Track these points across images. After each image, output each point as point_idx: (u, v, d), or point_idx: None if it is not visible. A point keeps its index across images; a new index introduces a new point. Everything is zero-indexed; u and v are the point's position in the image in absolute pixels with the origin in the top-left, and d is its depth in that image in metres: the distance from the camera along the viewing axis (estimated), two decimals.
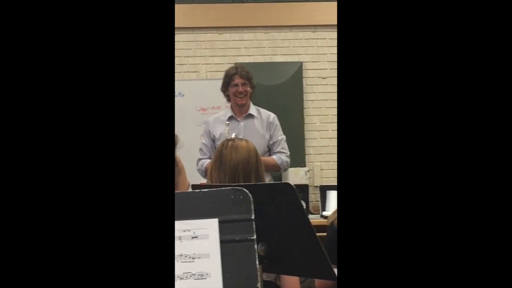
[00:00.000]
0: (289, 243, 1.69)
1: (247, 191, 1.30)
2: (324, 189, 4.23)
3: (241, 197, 1.29)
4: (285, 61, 5.50)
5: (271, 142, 3.77)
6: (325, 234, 3.20)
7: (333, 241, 2.38)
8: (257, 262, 1.26)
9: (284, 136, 3.81)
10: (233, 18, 5.42)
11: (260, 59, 5.47)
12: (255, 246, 1.27)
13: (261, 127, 3.81)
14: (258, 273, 1.26)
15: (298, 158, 5.23)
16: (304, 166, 5.28)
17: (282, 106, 5.23)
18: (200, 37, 5.46)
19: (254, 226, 1.27)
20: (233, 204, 1.28)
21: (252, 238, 1.26)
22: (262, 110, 3.88)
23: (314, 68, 5.54)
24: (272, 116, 3.83)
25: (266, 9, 5.47)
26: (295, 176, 4.91)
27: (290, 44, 5.51)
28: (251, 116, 3.81)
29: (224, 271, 1.24)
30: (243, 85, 3.73)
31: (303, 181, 4.95)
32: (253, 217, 1.26)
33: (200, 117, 5.25)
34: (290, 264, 1.79)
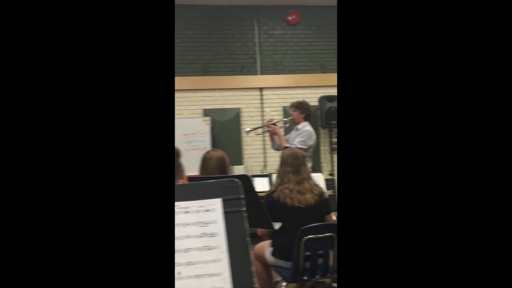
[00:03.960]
0: (247, 205, 1.53)
1: (237, 180, 1.34)
2: (253, 177, 4.80)
3: (234, 184, 1.32)
4: (230, 107, 6.39)
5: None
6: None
7: (267, 204, 2.84)
8: (246, 224, 1.30)
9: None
10: (202, 83, 6.30)
11: (217, 106, 6.32)
12: (245, 214, 1.30)
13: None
14: (247, 230, 1.31)
15: (238, 160, 6.17)
16: (242, 164, 6.17)
17: (229, 132, 6.22)
18: (182, 95, 6.26)
19: (243, 202, 1.31)
20: (230, 188, 1.31)
21: (242, 209, 1.30)
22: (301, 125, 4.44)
23: (246, 111, 6.45)
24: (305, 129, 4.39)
25: (219, 79, 6.36)
26: (237, 170, 5.72)
27: (233, 98, 6.39)
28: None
29: (226, 231, 1.27)
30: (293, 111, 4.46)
31: (243, 172, 5.72)
32: (242, 196, 1.32)
33: (184, 138, 5.96)
34: (249, 220, 1.68)
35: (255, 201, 2.07)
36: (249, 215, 1.66)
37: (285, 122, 4.93)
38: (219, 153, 2.86)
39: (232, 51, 6.47)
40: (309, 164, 4.23)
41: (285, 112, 6.14)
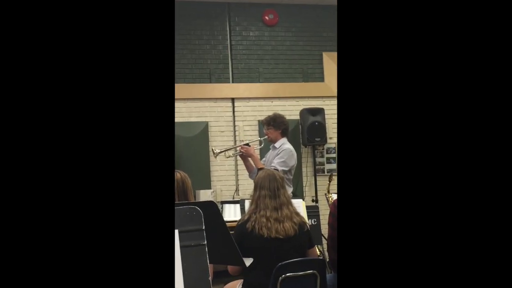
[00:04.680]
0: (212, 240, 1.60)
1: (198, 208, 1.36)
2: (222, 203, 4.64)
3: (194, 213, 1.35)
4: (197, 121, 6.37)
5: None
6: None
7: (238, 235, 2.82)
8: (207, 260, 1.29)
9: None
10: None
11: (181, 119, 6.24)
12: (206, 249, 1.30)
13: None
14: (209, 268, 1.30)
15: (205, 183, 6.08)
16: (210, 188, 6.09)
17: (195, 149, 6.18)
18: None
19: (204, 234, 1.31)
20: (189, 218, 1.32)
21: (203, 243, 1.29)
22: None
23: (215, 125, 6.43)
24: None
25: (183, 87, 6.31)
26: (203, 195, 5.58)
27: (199, 110, 6.37)
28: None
29: (183, 269, 1.25)
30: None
31: (210, 198, 5.50)
32: (203, 227, 1.31)
33: None
34: (214, 255, 1.79)
35: (223, 232, 2.05)
36: (216, 249, 1.69)
37: (260, 142, 4.91)
38: (178, 174, 2.86)
39: (199, 55, 6.48)
40: (290, 189, 4.21)
41: (261, 127, 6.15)
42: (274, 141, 4.52)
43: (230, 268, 2.97)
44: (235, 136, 6.43)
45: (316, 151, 6.63)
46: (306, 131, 6.32)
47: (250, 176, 4.61)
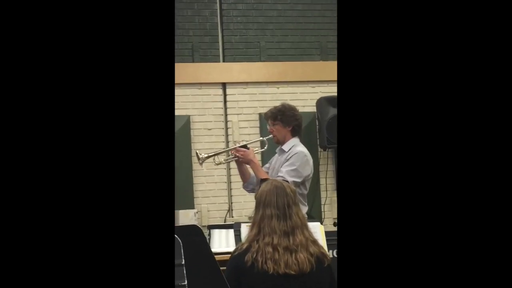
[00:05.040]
0: (196, 278, 1.83)
1: (176, 235, 1.43)
2: (210, 228, 4.64)
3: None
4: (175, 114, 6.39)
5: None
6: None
7: (233, 272, 2.76)
8: None
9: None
10: None
11: None
12: None
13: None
14: None
15: (186, 201, 6.10)
16: (193, 208, 6.11)
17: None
18: None
19: (184, 271, 1.39)
20: None
21: (183, 283, 1.37)
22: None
23: (200, 121, 6.46)
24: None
25: None
26: (184, 217, 5.63)
27: (179, 100, 6.32)
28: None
29: None
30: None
31: (192, 221, 5.56)
32: (183, 262, 1.39)
33: None
34: None
35: (210, 267, 2.09)
36: (202, 285, 1.82)
37: (262, 143, 4.91)
38: None
39: (177, 24, 6.44)
40: (304, 209, 4.19)
41: (264, 122, 6.12)
42: (282, 142, 4.52)
43: None
44: (227, 135, 6.47)
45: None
46: (326, 128, 6.32)
47: (245, 187, 4.65)
